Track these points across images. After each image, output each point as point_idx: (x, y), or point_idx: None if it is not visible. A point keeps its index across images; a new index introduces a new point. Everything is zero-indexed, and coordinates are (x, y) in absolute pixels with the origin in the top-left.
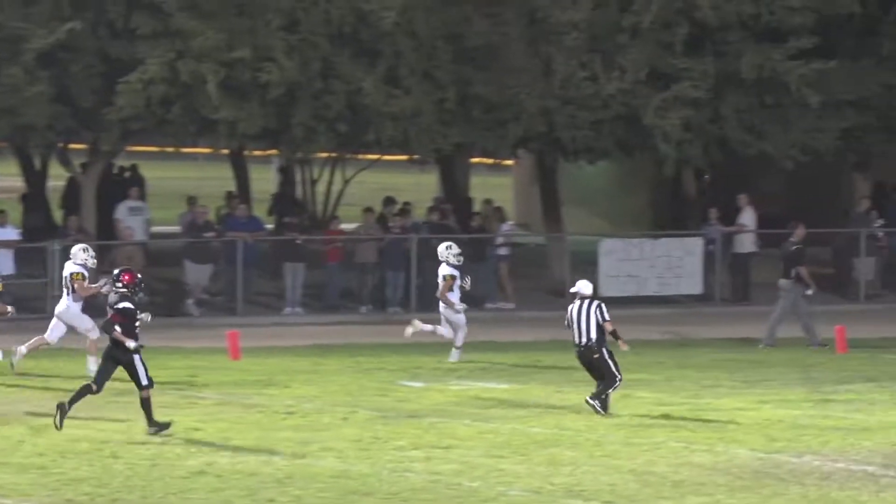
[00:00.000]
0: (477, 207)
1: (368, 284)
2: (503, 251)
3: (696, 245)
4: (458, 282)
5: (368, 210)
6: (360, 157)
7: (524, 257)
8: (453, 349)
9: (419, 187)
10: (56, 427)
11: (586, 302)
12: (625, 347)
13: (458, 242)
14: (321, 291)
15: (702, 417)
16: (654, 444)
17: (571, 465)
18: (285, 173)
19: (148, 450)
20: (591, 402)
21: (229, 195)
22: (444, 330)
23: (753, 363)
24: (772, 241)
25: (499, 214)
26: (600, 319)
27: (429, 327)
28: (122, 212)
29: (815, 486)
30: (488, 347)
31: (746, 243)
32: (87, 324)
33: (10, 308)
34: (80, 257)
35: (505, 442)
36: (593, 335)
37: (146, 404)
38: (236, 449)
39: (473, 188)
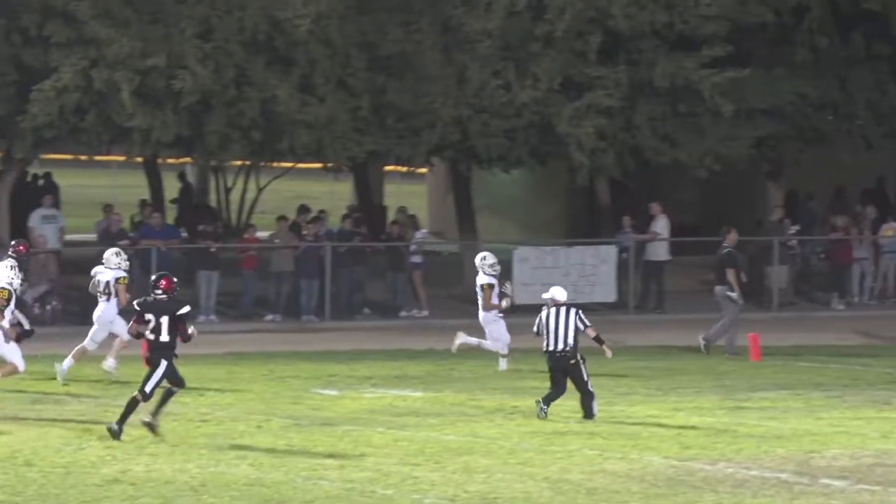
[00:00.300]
0: (391, 215)
1: (283, 292)
2: (417, 259)
3: (610, 253)
4: (496, 290)
5: (282, 218)
6: (275, 164)
7: (438, 265)
8: (500, 358)
9: (333, 195)
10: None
11: (562, 308)
12: (609, 353)
13: (376, 251)
14: (236, 299)
15: (616, 425)
16: (569, 451)
17: (486, 472)
18: (184, 180)
19: (62, 457)
20: (542, 405)
21: (143, 203)
22: (488, 343)
23: (667, 371)
24: (685, 250)
25: (413, 222)
26: (581, 326)
27: (474, 341)
28: (35, 220)
29: (729, 493)
30: (402, 355)
31: (660, 251)
32: (123, 328)
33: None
34: (114, 261)
35: (419, 450)
36: (571, 341)
37: (132, 406)
38: (151, 456)
39: (388, 196)
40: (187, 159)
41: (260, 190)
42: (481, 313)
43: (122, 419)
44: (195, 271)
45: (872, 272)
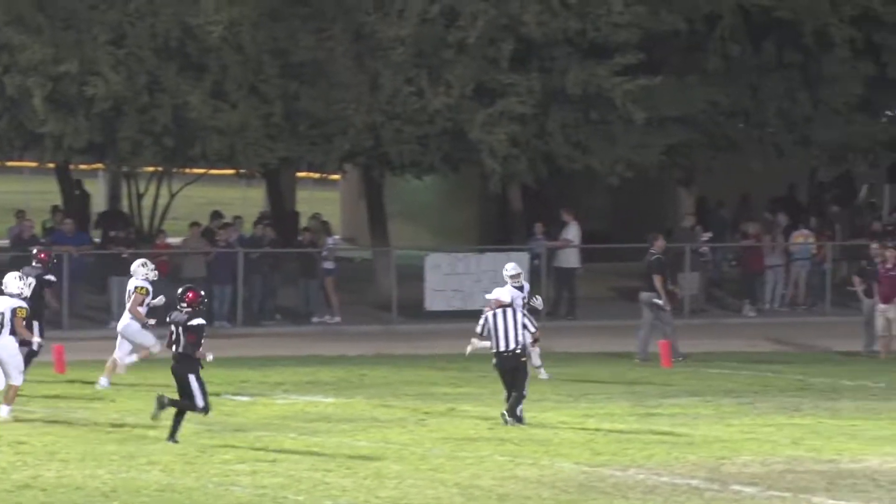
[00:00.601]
0: (304, 222)
1: None
2: (329, 265)
3: (521, 260)
4: (517, 301)
5: (195, 224)
6: (187, 171)
7: (350, 272)
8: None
9: (246, 201)
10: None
11: (509, 310)
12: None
13: (288, 257)
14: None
15: (527, 431)
16: (480, 457)
17: (397, 478)
18: (80, 187)
19: None
20: (508, 418)
21: (55, 209)
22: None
23: (578, 377)
24: (597, 257)
25: (325, 229)
26: (531, 327)
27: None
28: None
29: (640, 499)
30: (314, 361)
31: (571, 258)
32: (149, 340)
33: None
34: (141, 273)
35: (331, 456)
36: (520, 339)
37: (182, 413)
38: (62, 462)
39: (300, 202)
40: (99, 165)
41: (172, 196)
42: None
43: (173, 430)
44: (107, 277)
45: (783, 279)
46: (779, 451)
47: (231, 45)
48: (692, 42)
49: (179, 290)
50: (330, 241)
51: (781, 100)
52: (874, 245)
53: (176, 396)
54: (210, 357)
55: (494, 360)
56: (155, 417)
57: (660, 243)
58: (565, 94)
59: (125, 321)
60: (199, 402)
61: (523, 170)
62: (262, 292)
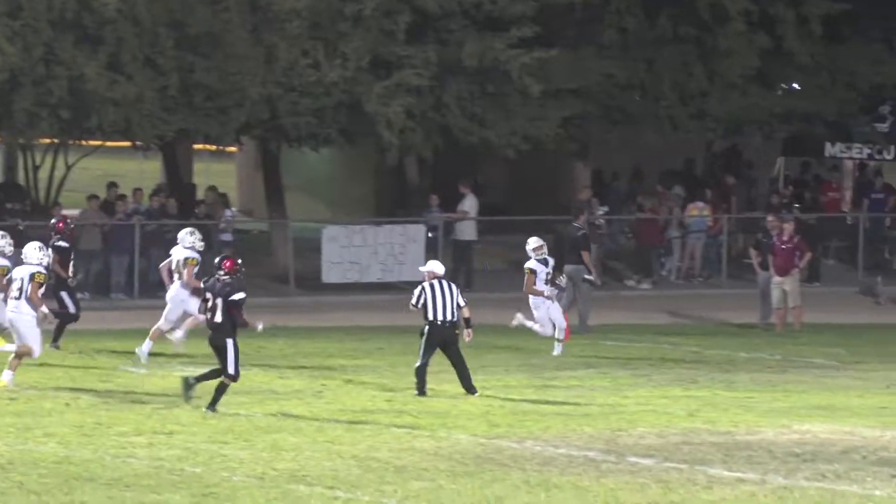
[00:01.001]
0: (201, 194)
1: (92, 270)
2: (227, 237)
3: (418, 232)
4: (540, 275)
5: (92, 196)
6: (83, 143)
7: (247, 244)
8: (556, 342)
9: (143, 174)
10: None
11: (444, 281)
12: (469, 339)
13: (199, 228)
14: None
15: (424, 403)
16: (377, 429)
17: (294, 450)
18: None
19: None
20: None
21: None
22: (538, 328)
23: (475, 349)
24: (494, 229)
25: (223, 201)
26: (460, 302)
27: (530, 324)
28: None
29: (537, 471)
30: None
31: (467, 231)
32: (196, 306)
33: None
34: (188, 241)
35: (228, 428)
36: (456, 311)
37: (221, 390)
38: None
39: (197, 175)
40: None
41: (69, 168)
42: (530, 299)
43: (213, 403)
44: None
45: (679, 252)
46: (675, 422)
47: (127, 18)
48: (588, 15)
49: (217, 259)
50: (228, 213)
51: (677, 73)
52: (770, 217)
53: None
54: (260, 327)
55: (427, 330)
56: (188, 399)
57: (584, 217)
58: (461, 67)
59: (175, 289)
60: (231, 369)
61: (420, 142)
62: (159, 264)
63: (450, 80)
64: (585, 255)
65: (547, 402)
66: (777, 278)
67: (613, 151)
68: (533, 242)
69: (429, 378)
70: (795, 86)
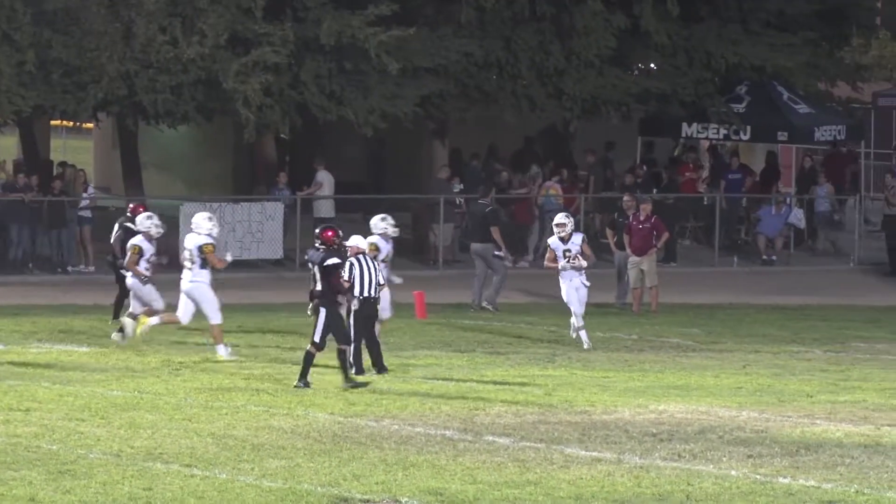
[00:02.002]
0: (58, 170)
1: None
2: (86, 214)
3: (276, 210)
4: (559, 252)
5: None
6: None
7: (105, 221)
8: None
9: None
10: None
11: (367, 257)
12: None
13: (42, 206)
14: None
15: (282, 381)
16: (235, 407)
17: (151, 428)
18: None
19: None
20: (376, 373)
21: None
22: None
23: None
24: (352, 207)
25: (83, 178)
26: (382, 278)
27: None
28: None
29: (394, 450)
30: (68, 310)
31: (324, 208)
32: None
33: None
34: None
35: (85, 405)
36: (378, 290)
37: (308, 359)
38: None
39: (54, 151)
40: None
41: None
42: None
43: (303, 374)
44: None
45: (538, 231)
46: (532, 402)
47: None
48: None
49: (317, 230)
50: (90, 189)
51: (534, 52)
52: (626, 197)
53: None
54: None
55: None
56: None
57: (491, 194)
58: (319, 45)
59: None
60: (317, 336)
61: (277, 120)
62: (15, 241)
63: (307, 58)
64: (495, 231)
65: (405, 381)
66: (634, 258)
67: (471, 130)
68: (556, 218)
69: (287, 356)
70: (652, 66)
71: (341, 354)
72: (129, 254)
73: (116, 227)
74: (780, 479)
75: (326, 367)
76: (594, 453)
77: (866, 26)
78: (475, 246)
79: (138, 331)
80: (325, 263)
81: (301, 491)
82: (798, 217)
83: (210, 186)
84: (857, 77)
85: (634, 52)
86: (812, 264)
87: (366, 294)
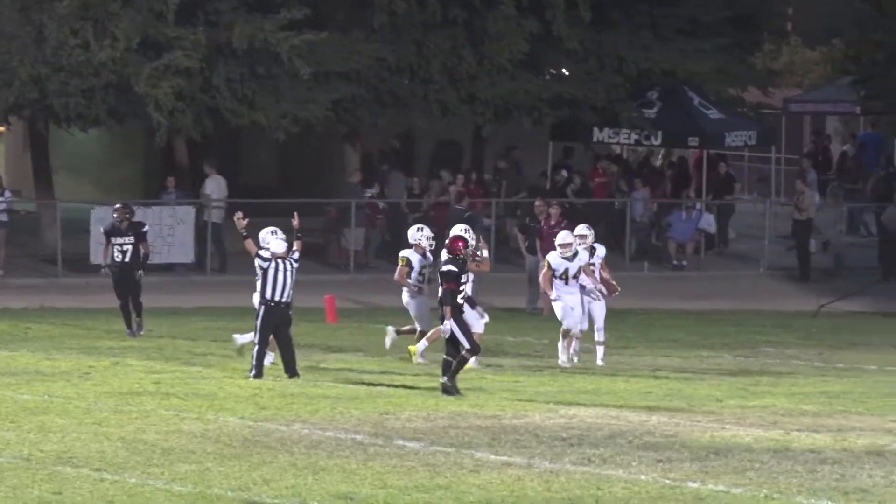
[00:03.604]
0: None
1: None
2: (3, 218)
3: (188, 214)
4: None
5: None
6: None
7: (15, 224)
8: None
9: None
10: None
11: (286, 262)
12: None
13: None
14: None
15: (193, 386)
16: (145, 412)
17: (61, 432)
18: None
19: None
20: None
21: None
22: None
23: (240, 332)
24: (263, 211)
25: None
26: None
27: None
28: None
29: (304, 454)
30: None
31: (215, 213)
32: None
33: None
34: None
35: None
36: (291, 295)
37: (461, 363)
38: None
39: None
40: None
41: None
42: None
43: (453, 377)
44: None
45: None
46: (442, 406)
47: None
48: None
49: (448, 239)
50: (7, 193)
51: (447, 56)
52: (538, 202)
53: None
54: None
55: (263, 311)
56: (453, 391)
57: (466, 201)
58: (231, 49)
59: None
60: (465, 342)
61: (189, 124)
62: None
63: (219, 62)
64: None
65: (315, 385)
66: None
67: (384, 134)
68: (578, 230)
69: (198, 360)
70: (564, 71)
71: (462, 361)
72: (399, 266)
73: (104, 233)
74: (690, 484)
75: (230, 380)
76: (504, 458)
77: (777, 32)
78: None
79: (414, 360)
80: (441, 269)
81: (211, 495)
82: (709, 222)
83: (121, 190)
84: (767, 83)
85: (546, 57)
86: (722, 269)
87: (277, 298)
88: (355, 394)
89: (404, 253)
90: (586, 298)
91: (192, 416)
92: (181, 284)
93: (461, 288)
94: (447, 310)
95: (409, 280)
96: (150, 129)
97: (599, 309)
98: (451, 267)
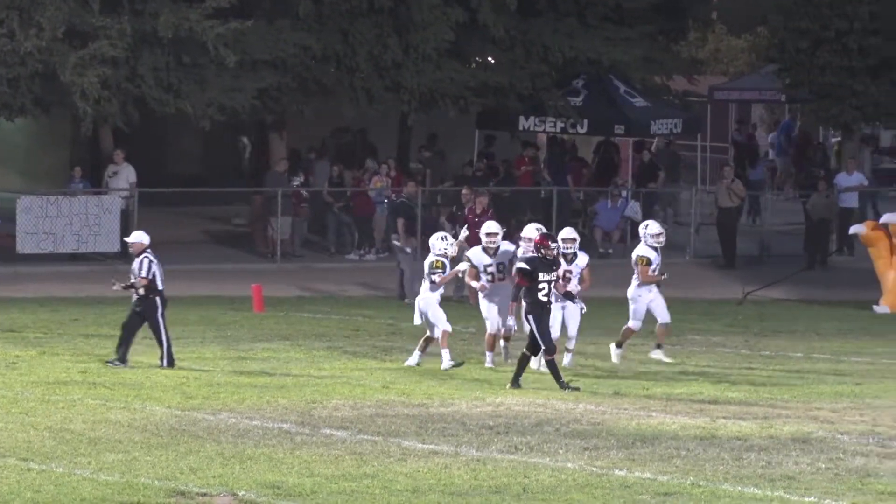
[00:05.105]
0: None
1: None
2: None
3: (113, 203)
4: (655, 264)
5: None
6: None
7: None
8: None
9: None
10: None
11: (152, 255)
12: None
13: None
14: None
15: (119, 375)
16: (71, 401)
17: None
18: None
19: None
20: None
21: None
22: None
23: (169, 321)
24: (189, 200)
25: None
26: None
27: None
28: None
29: (231, 443)
30: None
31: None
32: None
33: None
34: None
35: None
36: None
37: (553, 369)
38: None
39: None
40: None
41: None
42: (631, 289)
43: (558, 377)
44: None
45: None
46: (369, 394)
47: None
48: None
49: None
50: None
51: (372, 45)
52: (464, 190)
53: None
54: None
55: (160, 301)
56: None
57: (409, 187)
58: (157, 38)
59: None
60: (544, 342)
61: (115, 112)
62: None
63: (145, 51)
64: (399, 222)
65: (242, 375)
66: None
67: (311, 124)
68: (654, 227)
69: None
70: (490, 59)
71: (550, 364)
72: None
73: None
74: (616, 472)
75: (157, 369)
76: (431, 446)
77: (702, 21)
78: (393, 236)
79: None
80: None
81: (138, 484)
82: (634, 210)
83: (47, 179)
84: (693, 71)
85: (472, 45)
86: None
87: (142, 293)
88: (282, 383)
89: (469, 253)
90: (562, 304)
91: (119, 406)
92: (106, 274)
93: (541, 286)
94: (513, 305)
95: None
96: (76, 119)
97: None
98: (521, 264)
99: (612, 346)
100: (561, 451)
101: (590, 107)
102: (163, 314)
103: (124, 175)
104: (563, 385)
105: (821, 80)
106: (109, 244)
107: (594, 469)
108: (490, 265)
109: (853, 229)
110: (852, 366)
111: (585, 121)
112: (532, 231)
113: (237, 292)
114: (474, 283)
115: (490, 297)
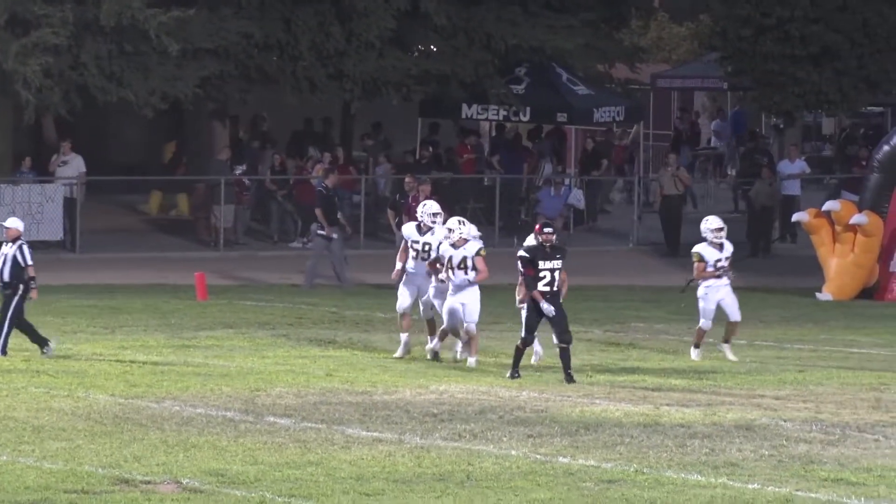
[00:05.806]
0: None
1: None
2: None
3: (56, 192)
4: (711, 261)
5: None
6: None
7: None
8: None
9: None
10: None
11: (23, 243)
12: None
13: None
14: None
15: (63, 363)
16: (14, 389)
17: None
18: None
19: None
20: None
21: None
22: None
23: (112, 309)
24: (134, 188)
25: None
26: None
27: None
28: None
29: (175, 431)
30: None
31: (74, 190)
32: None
33: None
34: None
35: None
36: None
37: (563, 355)
38: None
39: None
40: None
41: None
42: (700, 288)
43: (567, 368)
44: None
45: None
46: (313, 382)
47: None
48: None
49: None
50: None
51: (314, 33)
52: (407, 178)
53: None
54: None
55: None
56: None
57: (332, 178)
58: (99, 26)
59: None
60: (559, 333)
61: (57, 101)
62: None
63: (88, 39)
64: (318, 212)
65: (185, 363)
66: None
67: (252, 111)
68: (714, 221)
69: (67, 338)
70: (433, 47)
71: (564, 353)
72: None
73: None
74: (560, 459)
75: (100, 357)
76: (375, 434)
77: (644, 8)
78: (313, 226)
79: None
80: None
81: (82, 472)
82: (578, 198)
83: None
84: (635, 58)
85: (414, 33)
86: (591, 245)
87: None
88: (226, 371)
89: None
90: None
91: (62, 394)
92: (49, 262)
93: (542, 274)
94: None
95: None
96: (18, 107)
97: (731, 298)
98: (521, 252)
99: (692, 348)
100: (505, 439)
101: (532, 95)
102: (19, 303)
103: (74, 165)
104: (514, 374)
105: (763, 68)
106: (53, 233)
107: (538, 456)
108: (417, 242)
109: (796, 217)
110: (795, 353)
111: (528, 108)
112: (454, 223)
113: (180, 280)
114: (440, 276)
115: (409, 282)
